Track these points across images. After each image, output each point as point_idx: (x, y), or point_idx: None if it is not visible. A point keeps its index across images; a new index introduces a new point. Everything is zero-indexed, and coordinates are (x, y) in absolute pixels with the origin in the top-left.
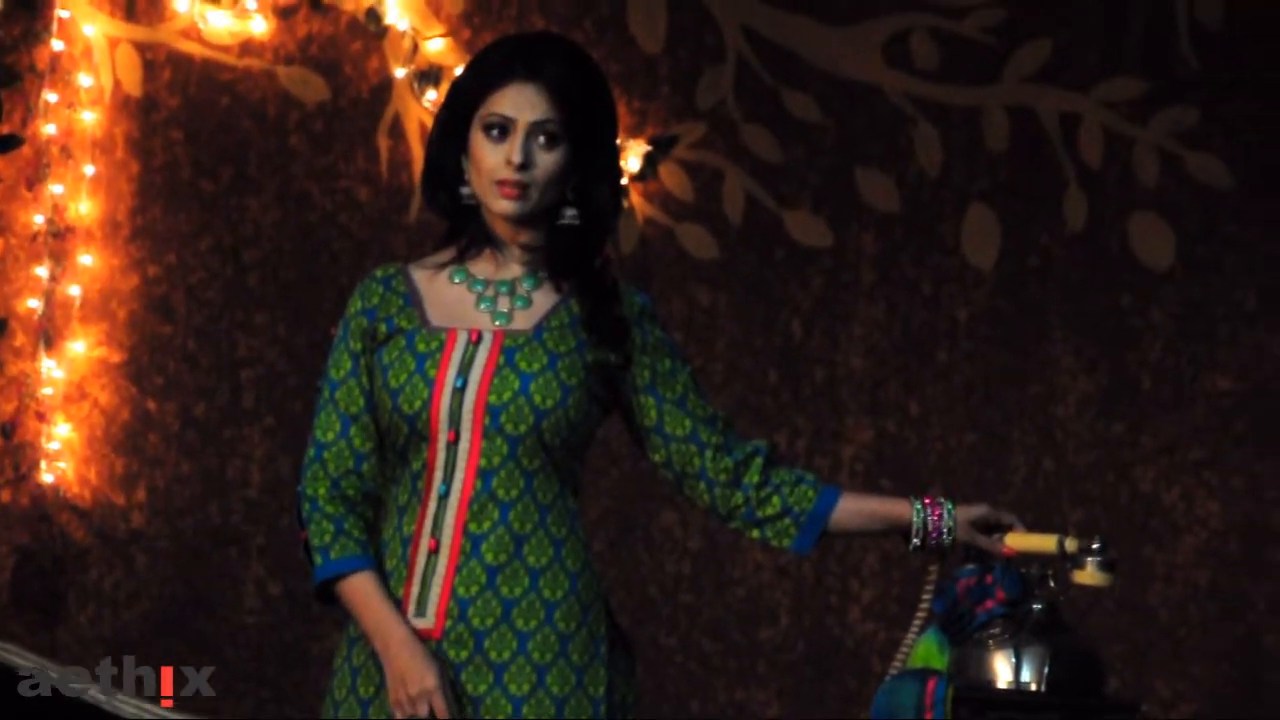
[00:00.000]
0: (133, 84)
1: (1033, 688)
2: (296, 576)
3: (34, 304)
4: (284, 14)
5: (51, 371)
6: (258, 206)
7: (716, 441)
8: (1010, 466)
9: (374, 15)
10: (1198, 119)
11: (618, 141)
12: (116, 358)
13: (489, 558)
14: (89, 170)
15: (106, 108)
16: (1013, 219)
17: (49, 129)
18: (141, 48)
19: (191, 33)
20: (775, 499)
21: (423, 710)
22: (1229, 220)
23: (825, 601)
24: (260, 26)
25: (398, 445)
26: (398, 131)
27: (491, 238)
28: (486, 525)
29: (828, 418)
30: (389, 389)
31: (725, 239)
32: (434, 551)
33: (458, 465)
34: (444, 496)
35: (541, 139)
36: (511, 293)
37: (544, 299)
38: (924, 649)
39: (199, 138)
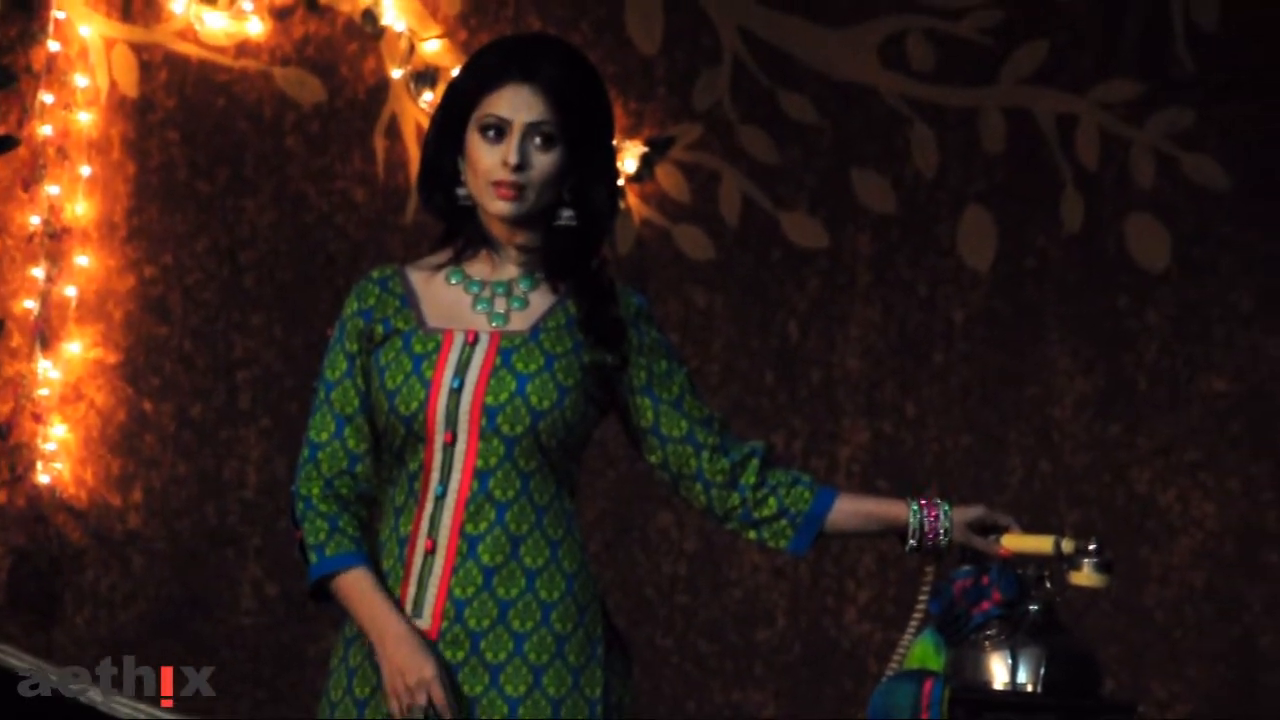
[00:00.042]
0: (129, 85)
1: (1029, 689)
2: (293, 577)
3: (30, 305)
4: (280, 15)
5: (48, 372)
6: (254, 207)
7: (713, 443)
8: (1007, 467)
9: (370, 16)
10: (1194, 120)
11: (614, 143)
12: (113, 358)
13: (485, 559)
14: (85, 171)
15: (102, 109)
16: (1009, 220)
17: (45, 130)
18: (138, 49)
19: (188, 34)
20: (772, 500)
21: (421, 699)
22: (1225, 222)
23: (822, 602)
24: (256, 28)
25: (394, 446)
26: (394, 132)
27: (488, 239)
28: (483, 526)
29: (824, 419)
30: (386, 390)
31: (722, 240)
32: (430, 552)
33: (454, 466)
34: (441, 497)
35: (538, 140)
36: (508, 294)
37: (540, 300)
38: (920, 650)
39: (195, 139)
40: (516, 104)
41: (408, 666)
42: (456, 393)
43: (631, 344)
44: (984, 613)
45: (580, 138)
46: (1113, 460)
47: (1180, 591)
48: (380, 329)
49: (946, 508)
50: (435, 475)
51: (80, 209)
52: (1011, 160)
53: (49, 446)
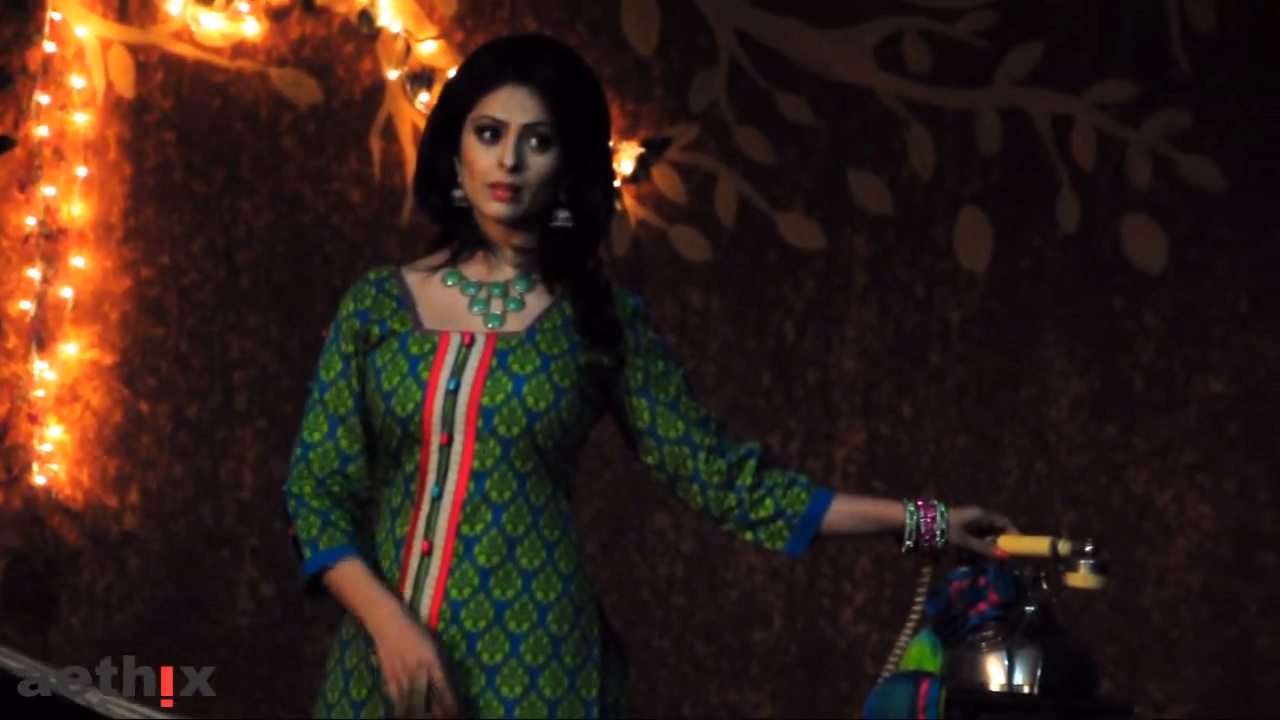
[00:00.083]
0: (125, 86)
1: (1025, 690)
2: (289, 578)
3: (26, 306)
4: (276, 16)
5: (44, 373)
6: (250, 208)
7: (709, 444)
8: (1003, 469)
9: (367, 17)
10: (1190, 121)
11: (610, 144)
12: (109, 359)
13: (482, 560)
14: (81, 172)
15: (99, 109)
16: (1005, 221)
17: (41, 131)
18: (134, 49)
19: (184, 35)
20: (768, 501)
21: (421, 681)
22: (1221, 223)
23: (818, 604)
24: (253, 28)
25: (390, 447)
26: (390, 133)
27: (484, 240)
28: (479, 527)
29: (820, 420)
30: (382, 392)
31: (718, 241)
32: (427, 554)
33: (450, 467)
34: (437, 499)
35: (533, 141)
36: (504, 295)
37: (537, 301)
38: (917, 651)
39: (191, 139)
40: (512, 105)
41: (406, 650)
42: (453, 394)
43: (628, 345)
44: (981, 614)
45: (576, 139)
46: (1109, 461)
47: (1177, 593)
48: (376, 330)
49: (943, 509)
50: (431, 476)
51: (76, 210)
52: (1007, 161)
53: (45, 447)
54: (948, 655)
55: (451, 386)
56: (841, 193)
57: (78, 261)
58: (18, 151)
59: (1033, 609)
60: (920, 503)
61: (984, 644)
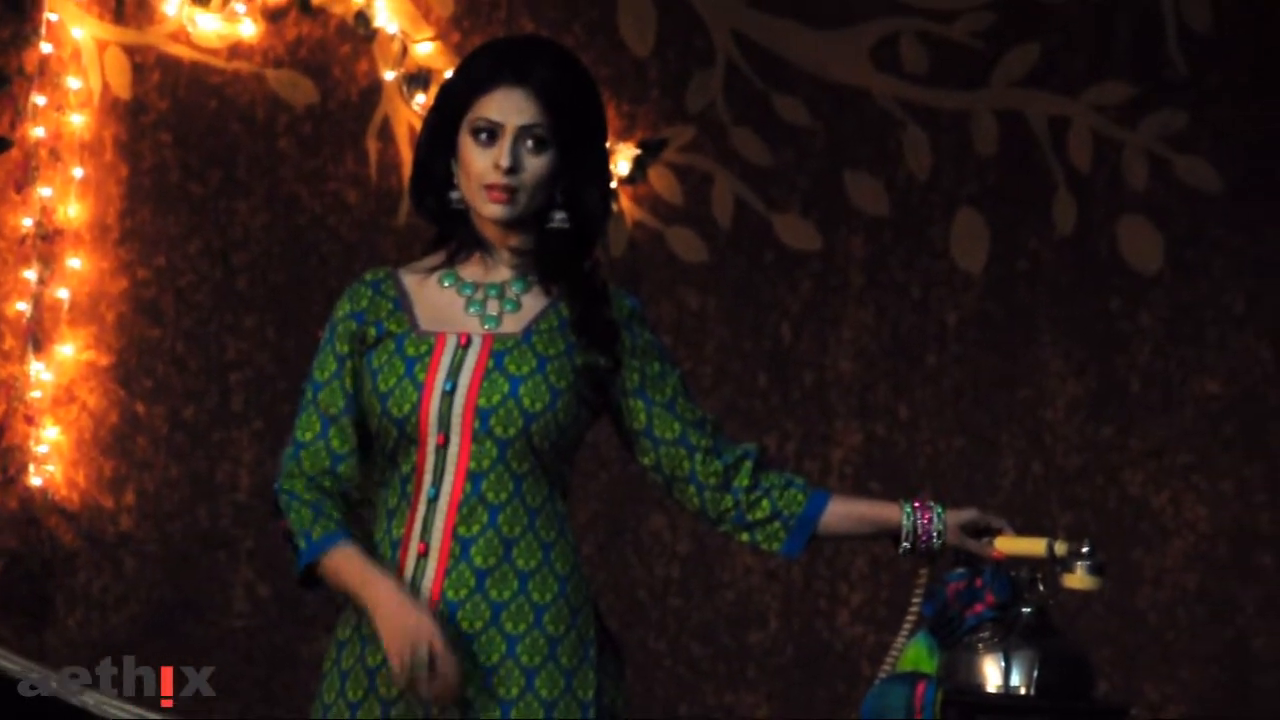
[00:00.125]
0: (121, 87)
1: (1022, 691)
2: (286, 579)
3: (22, 307)
4: (273, 17)
5: (40, 374)
6: (247, 209)
7: (706, 445)
8: (999, 470)
9: (363, 18)
10: (1186, 122)
11: (607, 145)
12: (105, 360)
13: (478, 561)
14: (78, 173)
15: (95, 110)
16: (1001, 223)
17: (38, 132)
18: (130, 51)
19: (180, 36)
20: (765, 502)
21: (423, 649)
22: (1218, 224)
23: (814, 605)
24: (249, 30)
25: (387, 449)
26: (387, 134)
27: (480, 241)
28: (476, 528)
29: (817, 421)
30: (378, 393)
31: (714, 242)
32: (423, 555)
33: (447, 468)
34: (433, 500)
35: (530, 143)
36: (500, 296)
37: (533, 302)
38: (913, 652)
39: (188, 141)
40: (508, 107)
41: (405, 621)
42: (449, 395)
43: (624, 346)
44: (977, 615)
45: (573, 140)
46: (1105, 462)
47: (1173, 594)
48: (373, 331)
49: (940, 510)
50: (428, 478)
51: (73, 211)
52: (1004, 162)
53: (41, 449)
54: (944, 656)
55: (448, 388)
56: (838, 194)
57: (74, 263)
58: (14, 152)
59: (1029, 610)
60: (917, 504)
61: (981, 645)
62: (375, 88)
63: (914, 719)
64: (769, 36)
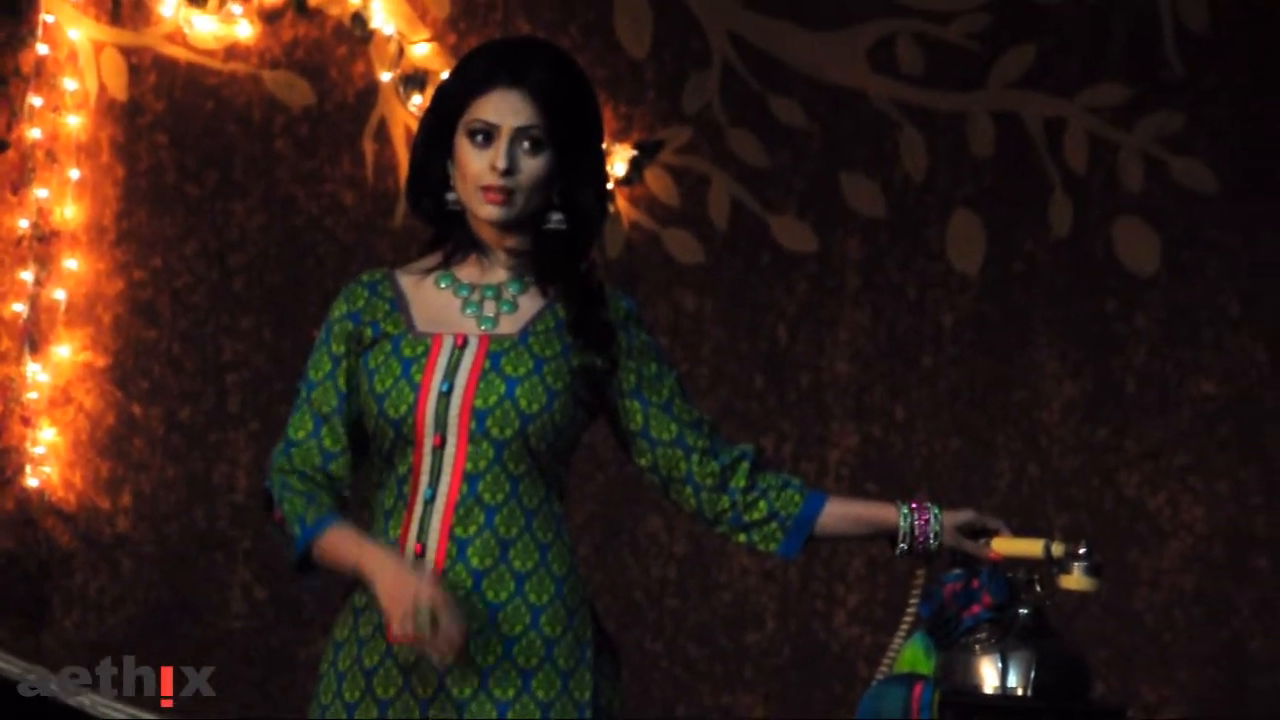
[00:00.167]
0: (118, 88)
1: (1019, 692)
2: (283, 581)
3: (19, 308)
4: (269, 18)
5: (36, 376)
6: (243, 211)
7: (703, 446)
8: (995, 471)
9: (360, 20)
10: (1182, 124)
11: (603, 146)
12: (101, 362)
13: (475, 562)
14: (74, 174)
15: (91, 112)
16: (998, 224)
17: (34, 133)
18: (127, 52)
19: (177, 37)
20: (762, 503)
21: (424, 603)
22: (1213, 225)
23: (811, 606)
24: (245, 31)
25: (383, 450)
26: (383, 136)
27: (477, 243)
28: (472, 530)
29: (813, 422)
30: (375, 394)
31: (711, 244)
32: (420, 556)
33: (444, 470)
34: (430, 501)
35: (526, 144)
36: (497, 297)
37: (530, 303)
38: (910, 653)
39: (184, 142)
40: (504, 108)
41: (405, 580)
42: (445, 396)
43: (621, 347)
44: (974, 616)
45: (569, 141)
46: (1101, 464)
47: (1170, 595)
48: (369, 332)
49: (937, 511)
50: (424, 479)
51: (69, 212)
52: (1000, 164)
53: (38, 450)
54: (941, 658)
55: (444, 389)
56: (834, 195)
57: (70, 264)
58: (10, 154)
59: (1026, 611)
60: (914, 505)
61: (977, 646)
62: (372, 89)
63: None
64: (765, 38)
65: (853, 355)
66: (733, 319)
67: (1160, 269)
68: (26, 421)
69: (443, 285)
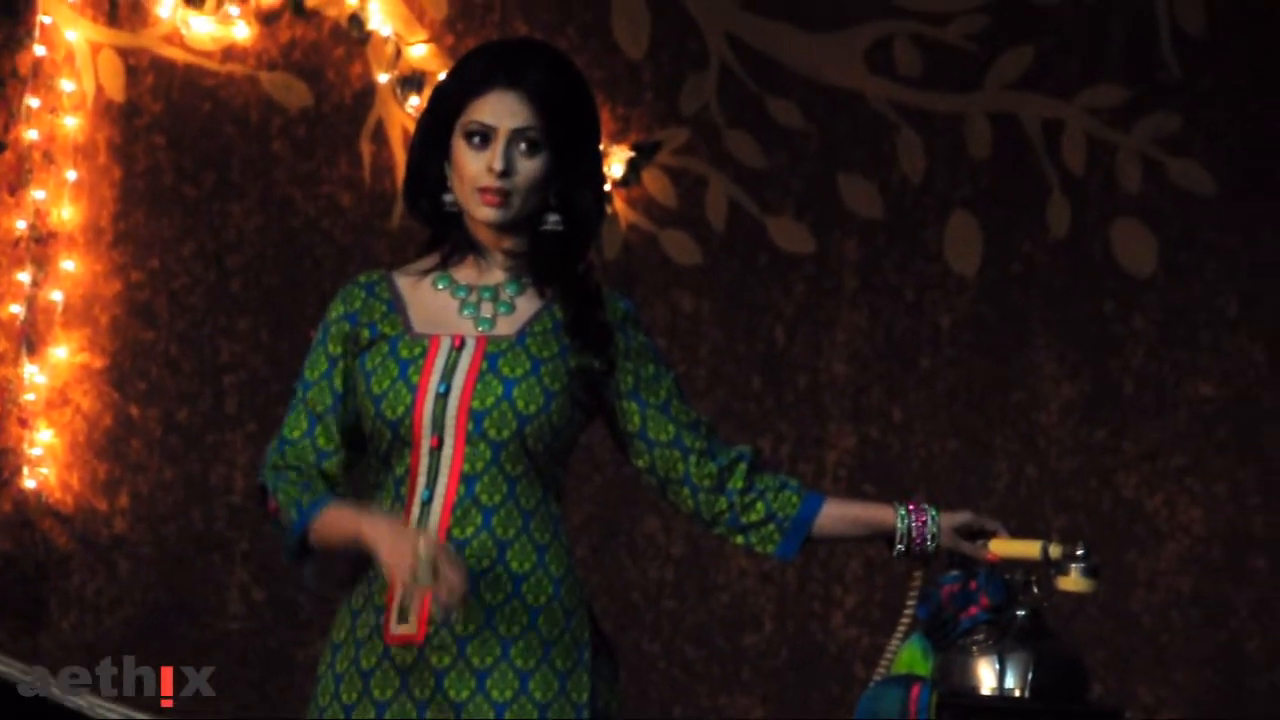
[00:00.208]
0: (115, 89)
1: (1016, 694)
2: (280, 582)
3: (16, 309)
4: (267, 20)
5: (34, 377)
6: (240, 212)
7: (700, 447)
8: (993, 473)
9: (357, 21)
10: (1180, 125)
11: (600, 147)
12: (99, 363)
13: (472, 563)
14: (71, 175)
15: (89, 113)
16: (995, 225)
17: (31, 134)
18: (124, 53)
19: (174, 38)
20: (759, 505)
21: (425, 550)
22: (1211, 226)
23: (809, 607)
24: (243, 32)
25: (381, 451)
26: (381, 137)
27: (474, 244)
28: (470, 531)
29: (811, 424)
30: (372, 395)
31: (708, 245)
32: None
33: (441, 471)
34: (427, 502)
35: (523, 146)
36: (495, 298)
37: (527, 305)
38: (908, 655)
39: (181, 143)
40: (501, 110)
41: (403, 535)
42: (443, 397)
43: (618, 348)
44: (971, 617)
45: (566, 143)
46: (1099, 465)
47: (1167, 596)
48: (366, 333)
49: (934, 512)
50: (422, 480)
51: (66, 213)
52: (998, 165)
53: (35, 451)
54: (939, 659)
55: (442, 390)
56: (832, 197)
57: (68, 265)
58: (7, 155)
59: (1023, 613)
60: (911, 506)
61: (975, 648)
62: (369, 90)
63: None
64: (763, 39)
65: (850, 356)
66: (730, 320)
67: (1158, 270)
68: (24, 423)
69: (440, 286)
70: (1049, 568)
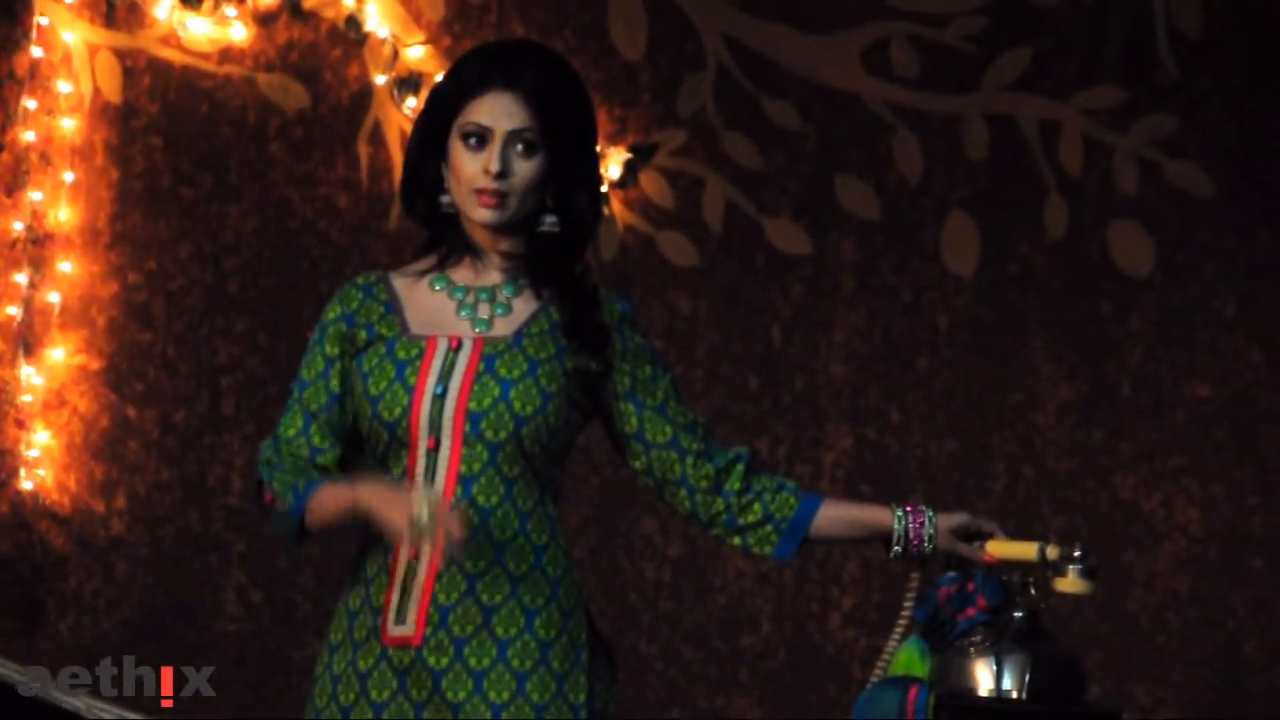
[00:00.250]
0: (112, 91)
1: (1014, 695)
2: (278, 583)
3: (13, 311)
4: (264, 21)
5: (31, 378)
6: (238, 213)
7: (697, 448)
8: (990, 474)
9: (354, 22)
10: (1177, 126)
11: (598, 149)
12: (96, 365)
13: (469, 565)
14: (68, 177)
15: (86, 114)
16: (993, 227)
17: (28, 136)
18: (121, 54)
19: (171, 40)
20: (756, 506)
21: (424, 500)
22: (1208, 227)
23: (806, 608)
24: (240, 33)
25: (378, 452)
26: (378, 138)
27: (471, 245)
28: (467, 531)
29: (808, 425)
30: (369, 396)
31: (705, 246)
32: (414, 559)
33: (438, 472)
34: None
35: (520, 147)
36: (491, 300)
37: (524, 306)
38: (905, 656)
39: (179, 144)
40: (498, 111)
41: (399, 495)
42: (440, 398)
43: (615, 349)
44: (969, 619)
45: (563, 144)
46: (1096, 466)
47: (1164, 597)
48: (363, 334)
49: (931, 514)
50: (419, 481)
51: (63, 215)
52: (995, 166)
53: (32, 453)
54: (936, 660)
55: (438, 391)
56: (829, 198)
57: (65, 266)
58: (4, 156)
59: (1021, 614)
60: (908, 508)
61: (972, 649)
62: (366, 92)
63: None
64: (760, 40)
65: (847, 358)
66: (727, 321)
67: (1155, 271)
68: (21, 424)
69: (437, 288)
70: (1046, 569)
